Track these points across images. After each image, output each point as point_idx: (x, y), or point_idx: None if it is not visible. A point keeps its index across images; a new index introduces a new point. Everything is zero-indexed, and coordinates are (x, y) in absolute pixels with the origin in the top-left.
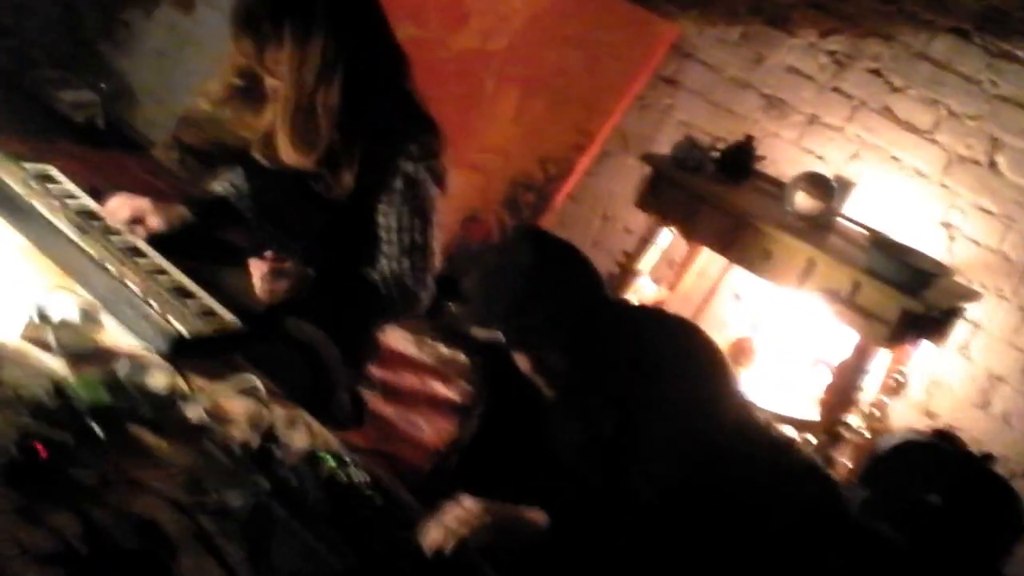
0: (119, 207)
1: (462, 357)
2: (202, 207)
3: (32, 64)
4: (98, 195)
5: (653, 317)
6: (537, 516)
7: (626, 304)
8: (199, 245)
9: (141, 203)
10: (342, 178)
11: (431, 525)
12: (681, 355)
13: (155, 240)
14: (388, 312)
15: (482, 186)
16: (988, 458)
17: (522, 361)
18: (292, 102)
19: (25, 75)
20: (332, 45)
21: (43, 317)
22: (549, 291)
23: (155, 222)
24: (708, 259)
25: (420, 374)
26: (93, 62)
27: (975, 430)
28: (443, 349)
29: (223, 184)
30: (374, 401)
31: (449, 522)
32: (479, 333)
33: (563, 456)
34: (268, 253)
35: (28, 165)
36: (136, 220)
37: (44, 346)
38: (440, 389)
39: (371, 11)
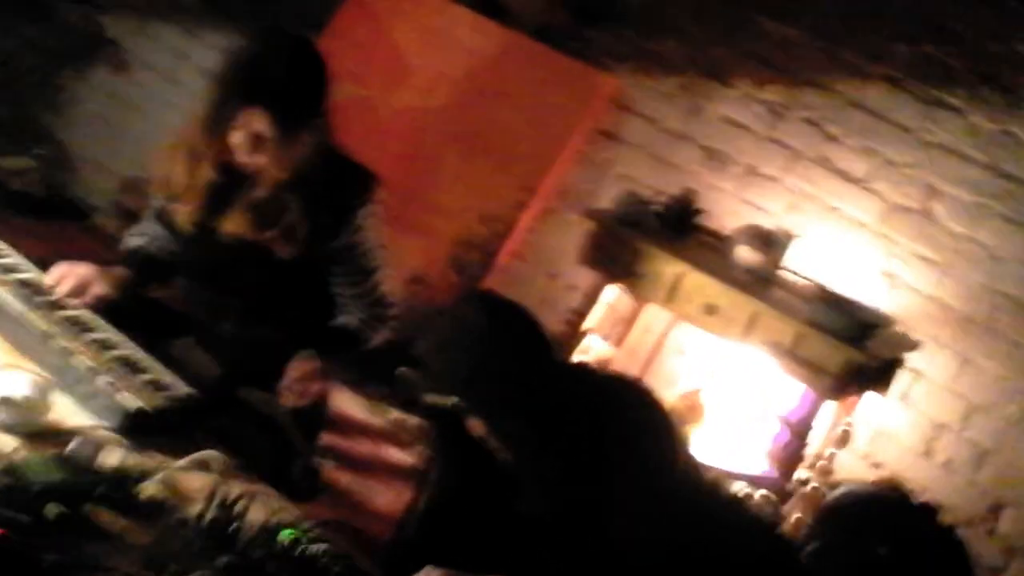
0: (63, 276)
1: (415, 420)
2: (132, 263)
3: None
4: (44, 266)
5: (597, 379)
6: None
7: (572, 366)
8: (146, 313)
9: (85, 270)
10: (291, 244)
11: None
12: (625, 418)
13: (103, 309)
14: (369, 340)
15: (426, 246)
16: (932, 506)
17: (476, 426)
18: (271, 183)
19: None
20: (313, 128)
21: None
22: (502, 358)
23: (100, 288)
24: (653, 315)
25: (374, 439)
26: (29, 127)
27: (920, 478)
28: (396, 413)
29: (141, 237)
30: (329, 470)
31: None
32: (433, 399)
33: (523, 518)
34: (305, 356)
35: None
36: (81, 288)
37: None
38: (395, 454)
39: (323, 82)
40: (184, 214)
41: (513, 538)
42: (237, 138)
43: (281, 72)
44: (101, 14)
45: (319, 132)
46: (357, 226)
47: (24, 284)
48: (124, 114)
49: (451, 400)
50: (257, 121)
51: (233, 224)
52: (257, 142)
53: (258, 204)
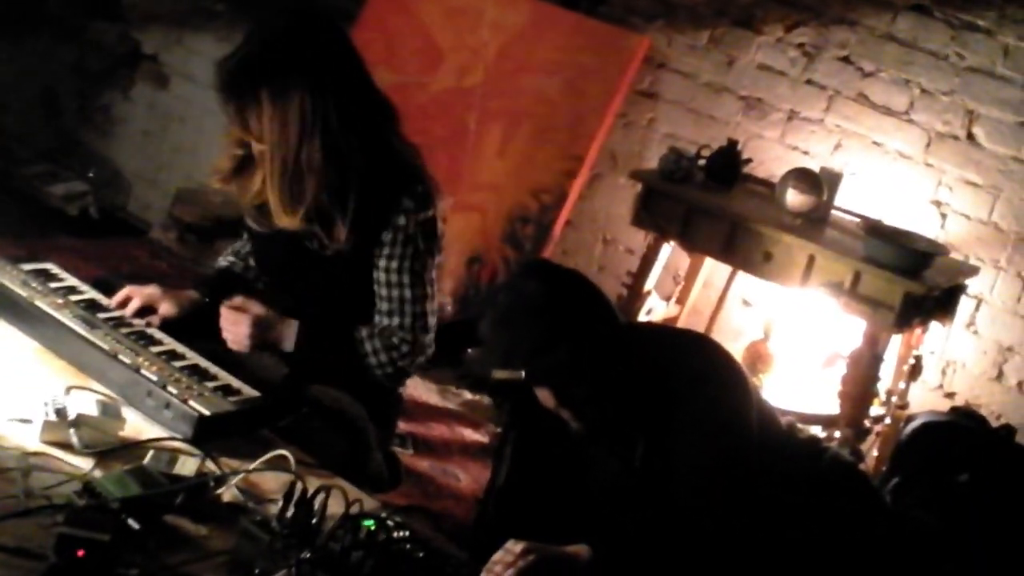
0: (129, 298)
1: (487, 400)
2: (211, 285)
3: (17, 161)
4: (105, 286)
5: (665, 337)
6: (580, 550)
7: (638, 326)
8: (212, 324)
9: (151, 291)
10: (335, 234)
11: None
12: (697, 372)
13: (170, 324)
14: (375, 378)
15: (480, 226)
16: (1008, 429)
17: (545, 397)
18: (278, 164)
19: (12, 173)
20: (310, 102)
21: (62, 418)
22: (565, 325)
23: (167, 308)
24: (712, 269)
25: (448, 422)
26: (78, 151)
27: (994, 403)
28: (467, 395)
29: (227, 258)
30: (407, 458)
31: (496, 571)
32: (500, 374)
33: (598, 485)
34: (235, 300)
35: (26, 266)
36: (148, 309)
37: (67, 447)
38: (470, 435)
39: (350, 64)
40: (215, 183)
41: (590, 506)
42: None
43: (264, 33)
44: (136, 31)
45: (322, 115)
46: (405, 233)
47: (84, 305)
48: (168, 127)
49: (519, 374)
50: None
51: (276, 214)
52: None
53: (285, 193)
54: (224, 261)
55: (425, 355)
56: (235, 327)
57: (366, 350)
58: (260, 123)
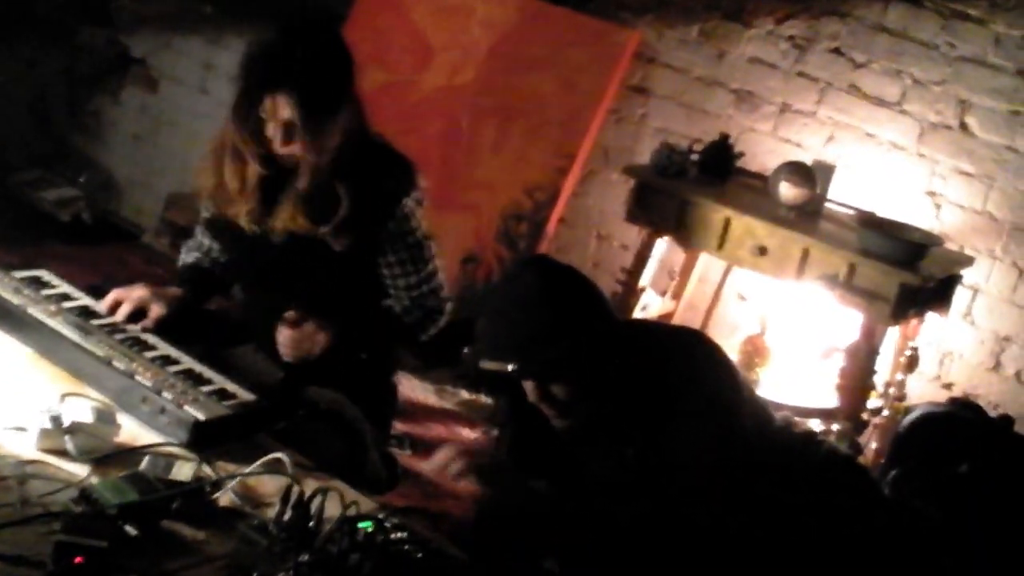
0: (119, 301)
1: (484, 399)
2: (192, 282)
3: (8, 167)
4: (98, 292)
5: (660, 334)
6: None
7: (633, 324)
8: (204, 326)
9: (140, 293)
10: (345, 236)
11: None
12: (692, 370)
13: (162, 327)
14: (417, 329)
15: (474, 225)
16: (1006, 419)
17: (530, 390)
18: (323, 171)
19: (3, 179)
20: (352, 109)
21: (57, 425)
22: (561, 321)
23: (158, 310)
24: (707, 263)
25: (445, 422)
26: (70, 157)
27: (992, 394)
28: (464, 394)
29: (192, 254)
30: (405, 458)
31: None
32: (488, 364)
33: (593, 480)
34: (289, 314)
35: (18, 273)
36: (139, 311)
37: (63, 454)
38: (468, 434)
39: (347, 63)
40: (244, 216)
41: (584, 500)
42: (270, 129)
43: (301, 55)
44: (124, 35)
45: (352, 118)
46: (404, 215)
47: (77, 312)
48: (159, 131)
49: (509, 365)
50: (283, 107)
51: (286, 222)
52: (288, 130)
53: (310, 199)
54: (190, 257)
55: (446, 314)
56: (312, 342)
57: (409, 322)
58: (333, 134)
